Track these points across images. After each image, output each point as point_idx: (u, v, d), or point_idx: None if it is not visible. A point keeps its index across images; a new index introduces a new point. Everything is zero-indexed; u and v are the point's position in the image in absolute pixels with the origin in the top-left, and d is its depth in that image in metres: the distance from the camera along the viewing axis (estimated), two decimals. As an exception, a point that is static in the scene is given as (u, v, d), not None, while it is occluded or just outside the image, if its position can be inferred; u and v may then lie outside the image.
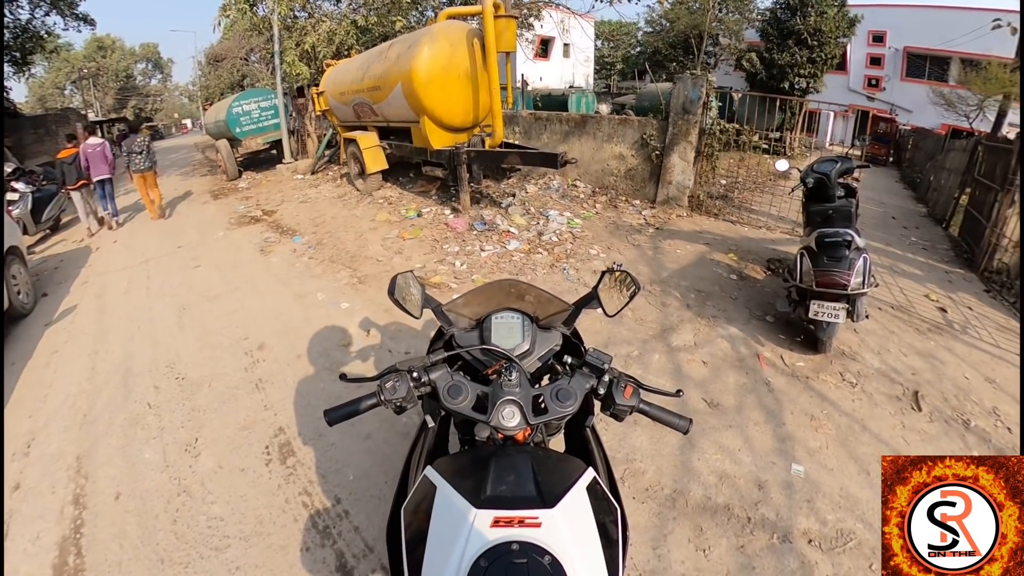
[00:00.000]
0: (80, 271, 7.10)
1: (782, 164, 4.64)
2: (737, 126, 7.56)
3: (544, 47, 27.39)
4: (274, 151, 13.96)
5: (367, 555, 2.35)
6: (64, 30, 17.49)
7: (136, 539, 2.62)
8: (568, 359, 1.35)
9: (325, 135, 12.17)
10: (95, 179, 8.66)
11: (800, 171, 4.43)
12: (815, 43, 17.03)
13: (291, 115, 14.10)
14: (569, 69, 28.78)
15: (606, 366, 1.26)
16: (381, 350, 4.00)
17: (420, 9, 14.18)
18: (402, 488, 1.37)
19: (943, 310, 4.77)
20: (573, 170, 8.03)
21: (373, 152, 8.56)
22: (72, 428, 3.59)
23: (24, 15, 15.14)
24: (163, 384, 3.92)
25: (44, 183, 10.07)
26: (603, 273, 1.53)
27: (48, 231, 9.58)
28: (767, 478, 2.72)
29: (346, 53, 12.93)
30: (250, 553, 2.44)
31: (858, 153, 16.33)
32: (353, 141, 8.90)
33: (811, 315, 3.61)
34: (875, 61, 23.73)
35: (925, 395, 3.45)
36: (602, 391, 1.23)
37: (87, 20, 16.64)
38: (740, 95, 12.24)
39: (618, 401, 1.21)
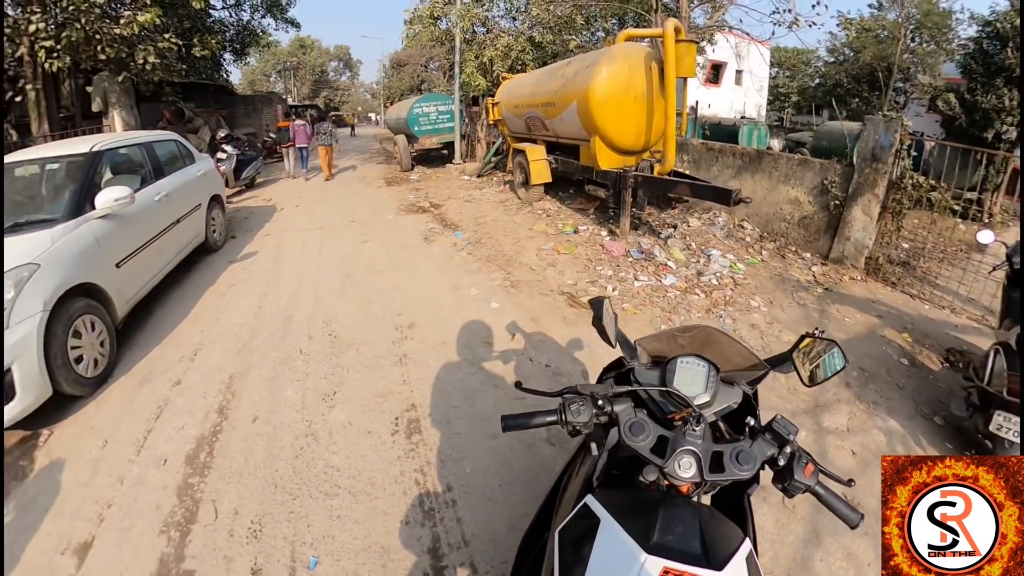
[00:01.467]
0: (265, 225, 8.23)
1: (986, 235, 3.81)
2: (932, 182, 6.55)
3: (715, 72, 26.38)
4: (445, 151, 15.43)
5: (461, 547, 2.31)
6: (275, 30, 21.46)
7: (260, 459, 2.87)
8: (751, 421, 1.30)
9: (494, 143, 13.02)
10: (297, 146, 13.52)
11: (1007, 247, 3.67)
12: None
13: (465, 121, 15.43)
14: (740, 97, 27.17)
15: (791, 437, 1.20)
16: (523, 357, 3.97)
17: (592, 30, 14.72)
18: (547, 506, 1.40)
19: None
20: (742, 210, 7.56)
21: (540, 165, 8.93)
22: (232, 351, 4.08)
23: (246, 16, 19.23)
24: (317, 336, 4.29)
25: (247, 148, 12.73)
26: (803, 336, 1.47)
27: (245, 187, 11.74)
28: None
29: (520, 68, 13.82)
30: (354, 508, 2.52)
31: None
32: (521, 152, 9.37)
33: (992, 428, 2.95)
34: None
35: None
36: (781, 463, 1.19)
37: (293, 23, 20.53)
38: (934, 143, 10.43)
39: (796, 477, 1.16)
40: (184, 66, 12.17)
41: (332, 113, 38.69)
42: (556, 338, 4.25)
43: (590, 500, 1.10)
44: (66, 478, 2.82)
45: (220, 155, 11.06)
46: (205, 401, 3.44)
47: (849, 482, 1.23)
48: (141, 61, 9.38)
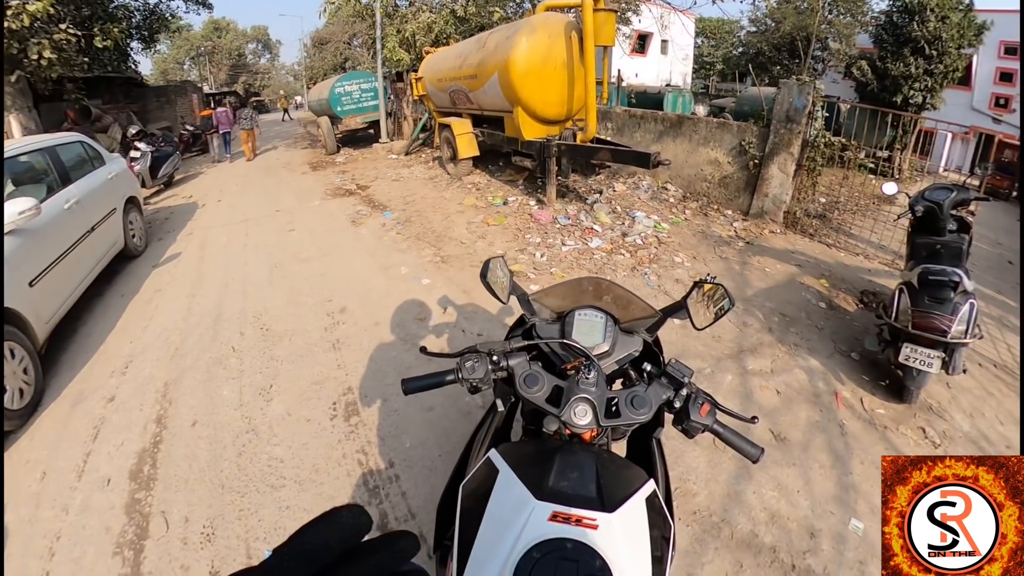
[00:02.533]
0: (187, 223, 7.96)
1: (890, 187, 4.28)
2: (844, 140, 7.08)
3: (641, 43, 26.80)
4: (371, 131, 15.08)
5: (408, 520, 2.47)
6: (185, 12, 20.27)
7: (204, 463, 2.94)
8: (647, 367, 1.37)
9: (421, 119, 12.84)
10: (220, 131, 14.21)
11: (909, 197, 4.09)
12: (934, 52, 15.24)
13: (389, 98, 15.06)
14: (666, 67, 27.80)
15: (686, 379, 1.27)
16: (455, 328, 4.16)
17: (518, 0, 14.59)
18: (461, 466, 1.42)
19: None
20: (664, 172, 7.90)
21: (466, 138, 8.94)
22: (164, 358, 4.06)
23: (153, 0, 17.53)
24: (248, 332, 4.32)
25: (162, 144, 12.06)
26: (695, 284, 1.53)
27: (163, 186, 11.18)
28: (821, 527, 2.54)
29: (444, 41, 13.59)
30: (302, 497, 2.65)
31: (976, 183, 14.21)
32: (447, 127, 9.36)
33: (901, 359, 3.34)
34: (1005, 77, 20.62)
35: None
36: (678, 405, 1.25)
37: (205, 4, 19.02)
38: (848, 107, 11.25)
39: (693, 417, 1.22)
40: (86, 59, 11.06)
41: (253, 99, 36.97)
42: (487, 307, 4.43)
43: (492, 454, 1.13)
44: (9, 519, 2.72)
45: (133, 154, 10.42)
46: (142, 413, 3.43)
47: (752, 419, 1.30)
48: (36, 56, 8.49)
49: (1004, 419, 3.52)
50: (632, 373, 1.51)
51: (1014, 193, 15.53)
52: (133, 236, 6.52)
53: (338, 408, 3.29)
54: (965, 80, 18.89)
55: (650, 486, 1.08)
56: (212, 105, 19.23)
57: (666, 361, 1.34)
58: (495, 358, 1.29)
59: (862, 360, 4.01)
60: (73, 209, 5.00)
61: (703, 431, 1.23)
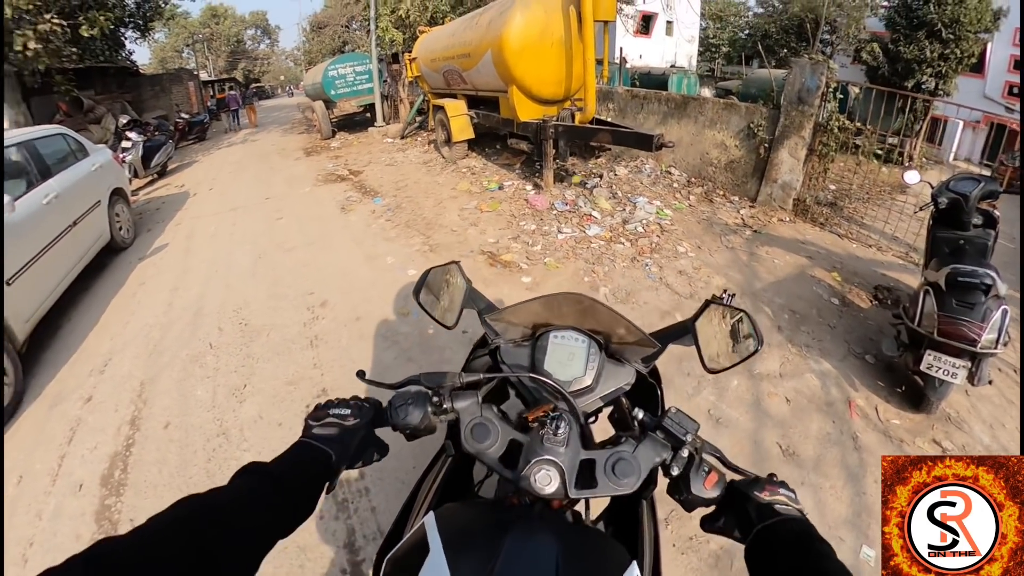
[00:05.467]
0: (176, 213, 7.90)
1: (912, 175, 3.99)
2: (859, 125, 6.83)
3: (645, 24, 26.23)
4: (367, 114, 14.87)
5: (376, 538, 2.37)
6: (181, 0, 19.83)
7: (174, 468, 2.89)
8: (639, 414, 1.05)
9: (416, 101, 12.64)
10: (232, 109, 20.84)
11: (932, 187, 3.81)
12: (950, 36, 14.85)
13: (385, 80, 14.83)
14: (671, 48, 27.24)
15: (688, 437, 0.97)
16: (434, 326, 4.06)
17: None
18: (401, 520, 1.17)
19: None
20: (668, 155, 7.67)
21: (460, 120, 8.74)
22: (142, 356, 4.01)
23: None
24: (227, 327, 4.25)
25: (155, 133, 11.95)
26: (706, 303, 1.21)
27: (156, 176, 11.11)
28: (831, 557, 2.43)
29: (440, 20, 13.30)
30: None
31: (988, 175, 13.69)
32: (441, 108, 9.12)
33: (923, 367, 3.11)
34: (1020, 65, 19.63)
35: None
36: (676, 471, 0.95)
37: None
38: (859, 89, 10.93)
39: (694, 491, 0.93)
40: (75, 49, 11.07)
41: (253, 85, 41.46)
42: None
43: (428, 520, 0.88)
44: None
45: (125, 144, 10.28)
46: (117, 415, 3.38)
47: (771, 478, 0.98)
48: (20, 48, 8.41)
49: (1028, 431, 3.33)
50: (624, 402, 1.25)
51: None
52: (120, 228, 6.46)
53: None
54: (978, 67, 18.24)
55: (633, 572, 0.83)
56: (224, 89, 27.24)
57: (664, 408, 1.04)
58: (436, 399, 1.02)
59: (877, 364, 3.80)
60: (53, 203, 4.93)
61: (707, 506, 0.95)
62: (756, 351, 1.13)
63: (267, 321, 4.27)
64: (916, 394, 3.35)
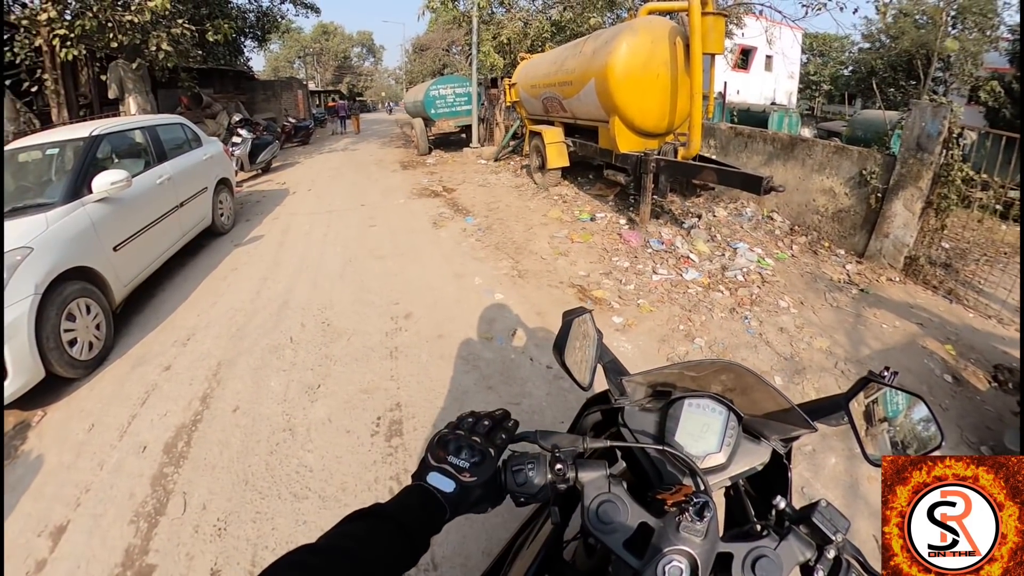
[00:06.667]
0: (275, 208, 8.24)
1: None
2: (986, 176, 6.10)
3: (744, 58, 25.57)
4: (463, 135, 15.31)
5: (428, 570, 2.16)
6: (295, 16, 22.16)
7: (235, 452, 2.82)
8: (781, 503, 0.90)
9: (512, 126, 12.80)
10: (340, 115, 25.18)
11: None
12: None
13: (483, 104, 15.24)
14: (770, 84, 26.55)
15: (838, 537, 0.83)
16: (523, 356, 3.82)
17: (615, 10, 14.38)
18: None
19: None
20: (771, 200, 7.23)
21: (556, 148, 8.66)
22: (224, 337, 4.05)
23: (265, 2, 19.67)
24: (310, 324, 4.23)
25: (264, 132, 12.98)
26: (862, 381, 1.02)
27: (260, 171, 11.89)
28: None
29: (540, 48, 13.57)
30: (322, 514, 2.42)
31: None
32: (538, 134, 9.10)
33: None
34: None
35: None
36: (820, 574, 0.82)
37: (313, 8, 21.05)
38: (975, 134, 9.76)
39: None
40: (200, 52, 12.32)
41: (357, 99, 45.09)
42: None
43: None
44: (51, 460, 2.88)
45: (235, 139, 11.26)
46: (191, 388, 3.41)
47: None
48: (154, 48, 9.45)
49: None
50: (741, 484, 1.10)
51: None
52: (221, 215, 6.78)
53: (381, 424, 3.04)
54: None
55: None
56: (334, 99, 32.10)
57: (814, 503, 0.88)
58: (559, 467, 0.89)
59: (994, 455, 3.31)
60: (165, 184, 5.26)
61: None
62: (940, 446, 0.95)
63: (350, 325, 4.20)
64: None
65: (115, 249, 4.20)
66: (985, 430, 3.53)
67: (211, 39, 11.43)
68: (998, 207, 7.45)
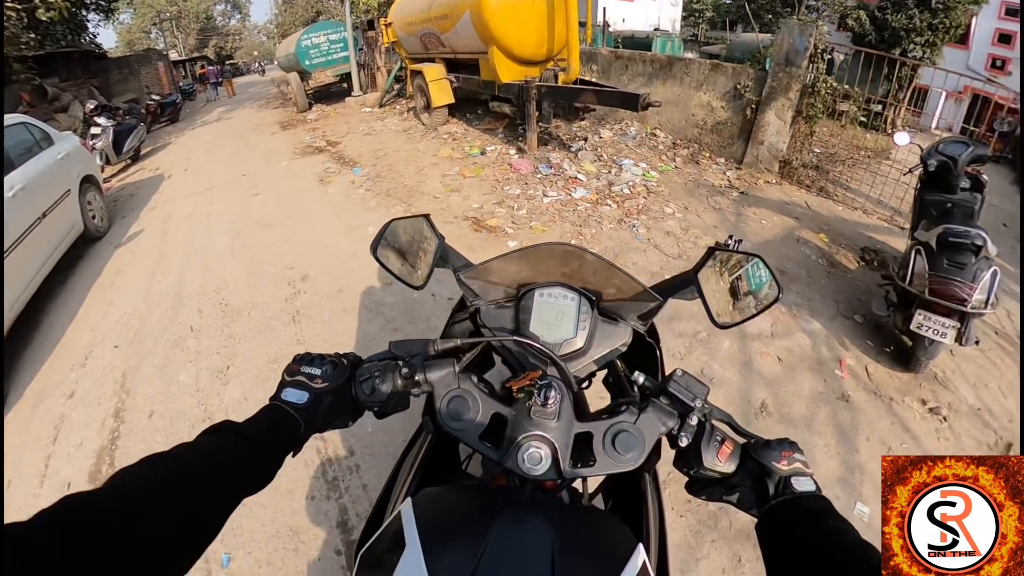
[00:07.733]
0: (152, 197, 7.72)
1: (903, 137, 3.99)
2: (846, 88, 6.77)
3: None
4: (344, 84, 14.44)
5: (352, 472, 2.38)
6: None
7: (160, 458, 2.86)
8: (639, 378, 0.93)
9: (394, 68, 12.26)
10: (211, 81, 24.60)
11: (922, 149, 3.84)
12: (939, 6, 14.60)
13: (361, 48, 14.32)
14: (655, 12, 27.29)
15: (697, 403, 0.85)
16: (424, 292, 3.96)
17: None
18: (381, 506, 1.06)
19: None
20: (653, 117, 7.58)
21: (439, 85, 8.50)
22: (123, 345, 3.94)
23: None
24: (207, 309, 4.18)
25: (125, 117, 11.45)
26: (710, 250, 1.06)
27: (129, 160, 10.78)
28: (826, 514, 2.43)
29: None
30: (258, 495, 2.55)
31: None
32: (419, 73, 8.88)
33: (913, 326, 3.13)
34: (1004, 39, 19.95)
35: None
36: (684, 442, 0.83)
37: None
38: (844, 55, 10.74)
39: (706, 463, 0.83)
40: (33, 35, 10.66)
41: (227, 63, 41.49)
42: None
43: (404, 510, 0.78)
44: None
45: (94, 130, 9.95)
46: (100, 408, 3.33)
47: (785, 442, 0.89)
48: None
49: (1007, 391, 3.38)
50: (619, 365, 1.13)
51: (1009, 156, 15.12)
52: (93, 217, 6.29)
53: (296, 389, 3.16)
54: (964, 39, 18.25)
55: (638, 557, 0.72)
56: (205, 65, 31.37)
57: (664, 370, 0.96)
58: (405, 370, 0.89)
59: (866, 324, 3.83)
60: (19, 196, 4.80)
61: (722, 482, 0.84)
62: (778, 299, 1.02)
63: (248, 300, 4.19)
64: (904, 354, 3.40)
65: (-23, 284, 3.91)
66: (857, 302, 4.07)
67: (43, 18, 9.82)
68: (862, 118, 8.28)
